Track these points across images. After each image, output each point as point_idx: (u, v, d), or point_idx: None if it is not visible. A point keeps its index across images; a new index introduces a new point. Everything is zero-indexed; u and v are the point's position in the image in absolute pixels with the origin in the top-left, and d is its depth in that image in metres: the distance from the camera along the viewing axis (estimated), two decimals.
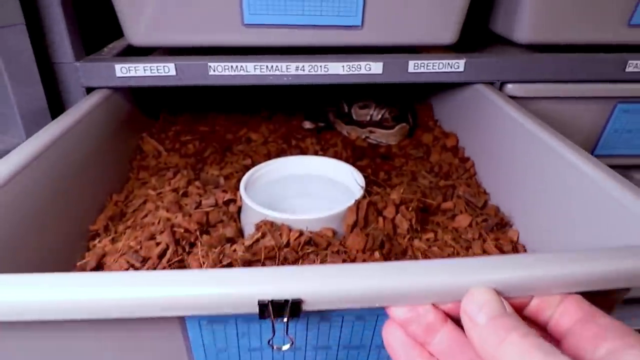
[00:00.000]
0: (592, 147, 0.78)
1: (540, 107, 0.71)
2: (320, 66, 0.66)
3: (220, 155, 0.73)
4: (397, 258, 0.49)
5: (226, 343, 0.36)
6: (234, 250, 0.46)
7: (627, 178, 0.77)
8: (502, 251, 0.52)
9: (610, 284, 0.31)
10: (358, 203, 0.51)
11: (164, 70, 0.65)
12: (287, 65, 0.66)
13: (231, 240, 0.49)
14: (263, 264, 0.45)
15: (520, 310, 0.31)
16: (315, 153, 0.74)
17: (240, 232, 0.53)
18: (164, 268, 0.46)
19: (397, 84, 0.69)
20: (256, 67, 0.66)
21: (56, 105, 0.66)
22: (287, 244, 0.47)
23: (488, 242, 0.52)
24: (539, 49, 0.71)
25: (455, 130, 0.77)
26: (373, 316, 0.36)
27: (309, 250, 0.48)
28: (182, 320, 0.33)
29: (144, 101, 0.82)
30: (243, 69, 0.66)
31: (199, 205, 0.55)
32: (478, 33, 0.78)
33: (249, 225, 0.52)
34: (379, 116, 0.84)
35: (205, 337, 0.35)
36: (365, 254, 0.48)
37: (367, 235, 0.49)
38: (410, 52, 0.70)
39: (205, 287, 0.29)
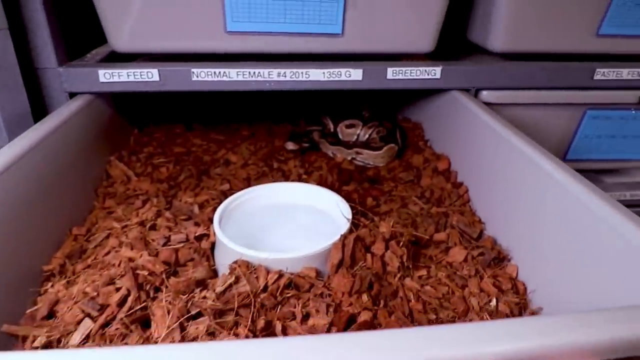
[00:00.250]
0: (564, 151, 0.81)
1: (515, 113, 0.74)
2: (302, 72, 0.67)
3: (195, 180, 0.68)
4: (387, 300, 0.44)
5: None
6: (204, 298, 0.41)
7: (597, 182, 0.78)
8: (500, 290, 0.47)
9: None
10: (344, 239, 0.46)
11: (147, 76, 0.65)
12: (269, 72, 0.67)
13: (202, 284, 0.44)
14: (237, 313, 0.40)
15: None
16: (299, 177, 0.69)
17: (214, 272, 0.48)
18: (124, 317, 0.41)
19: (377, 90, 0.71)
20: (239, 73, 0.66)
21: (40, 110, 0.66)
22: (265, 288, 0.42)
23: (485, 279, 0.48)
24: (512, 57, 0.73)
25: (431, 136, 0.79)
26: None
27: (289, 294, 0.43)
28: None
29: (125, 113, 0.79)
30: (226, 75, 0.66)
31: (167, 241, 0.50)
32: (456, 42, 0.80)
33: (223, 265, 0.47)
34: (366, 136, 0.80)
35: None
36: (352, 297, 0.43)
37: (354, 276, 0.44)
38: (390, 59, 0.71)
39: None
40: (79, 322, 0.41)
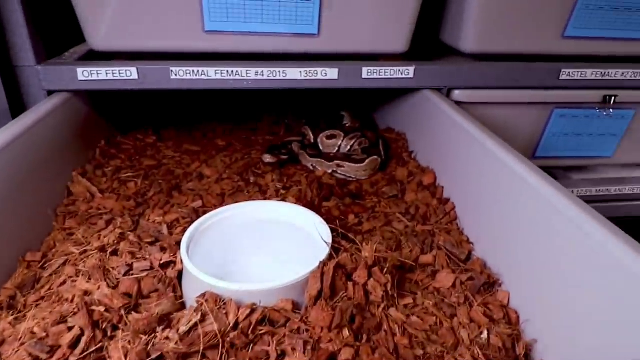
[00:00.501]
0: (533, 149, 0.83)
1: (486, 112, 0.75)
2: (279, 71, 0.68)
3: (165, 196, 0.63)
4: (370, 335, 0.41)
5: None
6: (167, 339, 0.37)
7: (565, 179, 0.84)
8: (492, 320, 0.44)
9: None
10: (323, 266, 0.43)
11: (126, 74, 0.65)
12: (247, 71, 0.67)
13: (166, 319, 0.40)
14: (203, 356, 0.36)
15: None
16: (277, 192, 0.65)
17: (181, 304, 0.43)
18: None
19: (353, 90, 0.72)
20: (217, 72, 0.67)
21: (19, 108, 0.66)
22: (235, 326, 0.38)
23: (475, 307, 0.44)
24: (482, 58, 0.75)
25: (405, 134, 0.80)
26: None
27: (263, 331, 0.39)
28: None
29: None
30: (204, 74, 0.67)
31: (129, 269, 0.45)
32: (429, 43, 0.82)
33: (191, 297, 0.43)
34: (348, 147, 0.76)
35: None
36: (332, 332, 0.39)
37: (334, 309, 0.40)
38: (366, 59, 0.72)
39: None
40: None
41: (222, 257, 0.49)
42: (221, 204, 0.62)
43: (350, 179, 0.70)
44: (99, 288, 0.42)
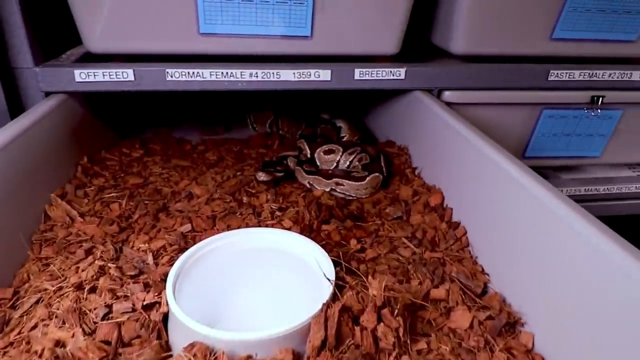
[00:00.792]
0: (523, 149, 0.84)
1: (475, 113, 0.76)
2: (273, 73, 0.69)
3: (151, 219, 0.58)
4: None
5: None
6: None
7: (554, 178, 0.85)
8: None
9: None
10: (326, 309, 0.38)
11: (122, 76, 0.66)
12: (241, 72, 0.68)
13: None
14: None
15: None
16: (272, 214, 0.60)
17: (167, 347, 0.39)
18: None
19: (345, 91, 0.73)
20: (212, 73, 0.68)
21: (17, 109, 0.66)
22: None
23: (497, 353, 0.40)
24: (472, 59, 0.76)
25: (395, 135, 0.81)
26: None
27: None
28: None
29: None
30: (199, 75, 0.67)
31: (109, 311, 0.40)
32: (420, 45, 0.83)
33: (177, 345, 0.38)
34: (347, 163, 0.72)
35: None
36: None
37: None
38: (359, 61, 0.72)
39: None
40: None
41: (213, 294, 0.44)
42: (212, 228, 0.58)
43: (350, 198, 0.66)
44: (73, 336, 0.37)
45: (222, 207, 0.61)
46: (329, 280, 0.41)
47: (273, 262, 0.48)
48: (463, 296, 0.46)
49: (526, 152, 0.85)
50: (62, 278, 0.46)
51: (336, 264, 0.46)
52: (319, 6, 0.65)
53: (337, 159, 0.72)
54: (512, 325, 0.43)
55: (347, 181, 0.65)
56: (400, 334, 0.39)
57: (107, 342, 0.38)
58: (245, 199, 0.63)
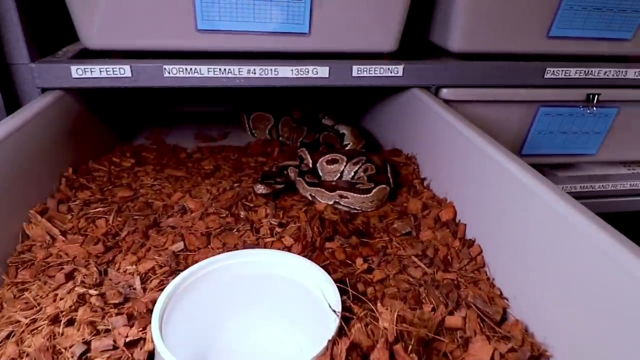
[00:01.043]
0: (519, 146, 0.84)
1: (473, 110, 0.76)
2: (271, 70, 0.69)
3: (141, 237, 0.54)
4: None
5: None
6: None
7: (551, 176, 0.84)
8: None
9: None
10: (332, 347, 0.34)
11: (119, 72, 0.65)
12: (239, 69, 0.68)
13: None
14: None
15: None
16: (271, 231, 0.56)
17: None
18: None
19: (343, 89, 0.72)
20: (210, 69, 0.67)
21: (13, 106, 0.65)
22: None
23: None
24: (469, 57, 0.76)
25: (392, 133, 0.82)
26: None
27: None
28: None
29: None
30: (197, 72, 0.67)
31: (86, 350, 0.36)
32: (418, 43, 0.83)
33: None
34: (351, 174, 0.67)
35: None
36: None
37: None
38: (356, 58, 0.72)
39: None
40: None
41: (205, 328, 0.40)
42: (206, 246, 0.53)
43: (355, 211, 0.61)
44: None
45: (217, 222, 0.57)
46: (334, 312, 0.37)
47: (272, 290, 0.43)
48: (481, 324, 0.42)
49: (523, 149, 0.85)
50: (38, 308, 0.41)
51: (341, 290, 0.41)
52: (317, 3, 0.65)
53: (341, 169, 0.68)
54: (537, 358, 0.39)
55: (352, 194, 0.61)
56: None
57: None
58: (242, 214, 0.59)
